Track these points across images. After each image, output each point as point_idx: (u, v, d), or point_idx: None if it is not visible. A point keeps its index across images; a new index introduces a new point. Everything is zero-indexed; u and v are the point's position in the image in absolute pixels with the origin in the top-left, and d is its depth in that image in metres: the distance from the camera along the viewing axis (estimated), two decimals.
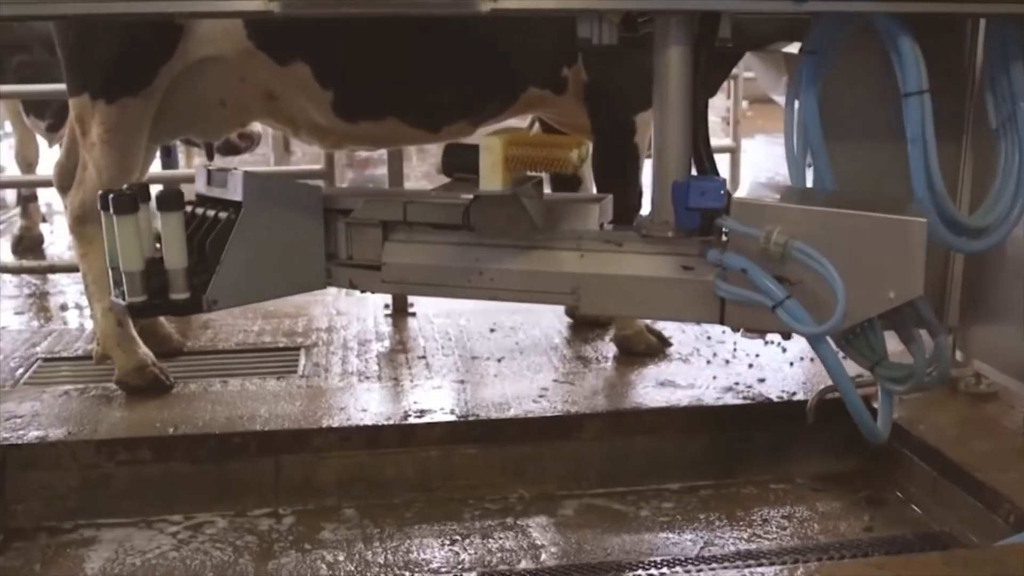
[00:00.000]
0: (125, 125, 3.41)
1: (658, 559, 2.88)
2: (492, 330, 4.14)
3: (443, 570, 2.86)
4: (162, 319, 4.01)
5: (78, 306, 4.80)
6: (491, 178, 2.55)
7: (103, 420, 3.33)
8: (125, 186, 2.83)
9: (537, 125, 4.10)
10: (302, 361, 3.88)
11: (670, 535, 3.04)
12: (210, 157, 5.40)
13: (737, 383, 3.55)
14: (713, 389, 3.52)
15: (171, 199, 2.72)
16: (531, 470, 3.32)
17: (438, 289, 2.94)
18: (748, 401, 3.42)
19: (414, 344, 4.05)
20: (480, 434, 3.31)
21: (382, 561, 2.90)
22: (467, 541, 3.01)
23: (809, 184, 2.87)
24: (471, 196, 2.70)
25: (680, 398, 3.46)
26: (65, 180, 3.84)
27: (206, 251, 2.73)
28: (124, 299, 2.74)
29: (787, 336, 2.76)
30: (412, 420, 3.30)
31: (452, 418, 3.33)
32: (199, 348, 4.08)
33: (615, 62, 3.27)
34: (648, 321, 3.90)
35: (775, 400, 3.43)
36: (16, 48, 5.95)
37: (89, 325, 4.26)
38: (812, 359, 3.76)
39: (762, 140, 11.86)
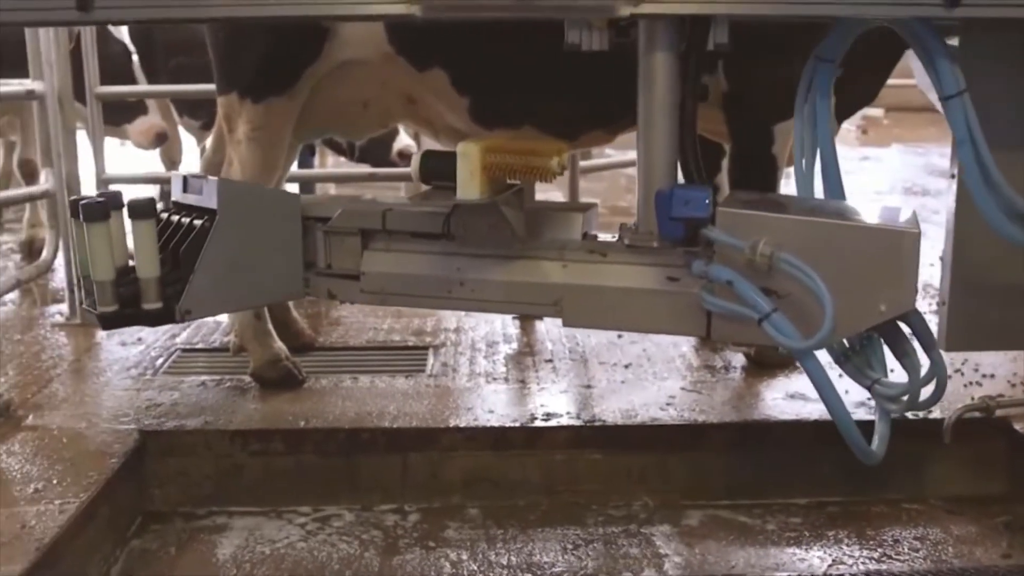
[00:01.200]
0: (271, 124, 3.51)
1: (784, 575, 2.83)
2: (619, 336, 4.12)
3: (565, 575, 2.85)
4: (295, 315, 4.10)
5: None
6: (469, 186, 2.50)
7: (237, 411, 3.42)
8: (96, 193, 2.81)
9: None
10: (430, 360, 3.93)
11: (797, 551, 2.98)
12: (351, 157, 5.52)
13: (870, 398, 3.45)
14: (845, 403, 3.43)
15: (142, 207, 2.69)
16: (656, 478, 3.29)
17: (419, 300, 2.89)
18: None
19: (541, 347, 4.06)
20: (606, 440, 3.29)
21: (505, 562, 2.91)
22: (590, 547, 3.00)
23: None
24: (452, 204, 2.65)
25: (810, 411, 3.39)
26: (211, 175, 3.97)
27: (180, 259, 2.71)
28: (95, 309, 2.71)
29: (776, 350, 2.67)
30: (538, 423, 3.31)
31: (578, 423, 3.32)
32: (330, 344, 4.16)
33: (755, 71, 3.23)
34: None
35: (910, 417, 3.33)
36: (175, 50, 6.18)
37: (223, 319, 4.38)
38: (950, 376, 3.63)
39: (898, 149, 11.57)
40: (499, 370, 3.80)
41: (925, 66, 2.50)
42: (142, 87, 6.41)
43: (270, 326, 3.69)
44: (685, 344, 4.03)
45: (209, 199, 2.75)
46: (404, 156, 5.68)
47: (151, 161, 7.67)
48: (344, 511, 3.21)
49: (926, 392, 2.65)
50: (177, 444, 3.26)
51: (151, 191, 7.83)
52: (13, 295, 4.88)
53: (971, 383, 3.60)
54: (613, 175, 8.25)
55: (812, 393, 3.47)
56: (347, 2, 2.37)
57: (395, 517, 3.18)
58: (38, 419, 3.35)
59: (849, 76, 3.47)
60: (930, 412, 3.33)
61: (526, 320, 4.37)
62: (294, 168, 4.62)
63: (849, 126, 11.31)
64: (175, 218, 2.83)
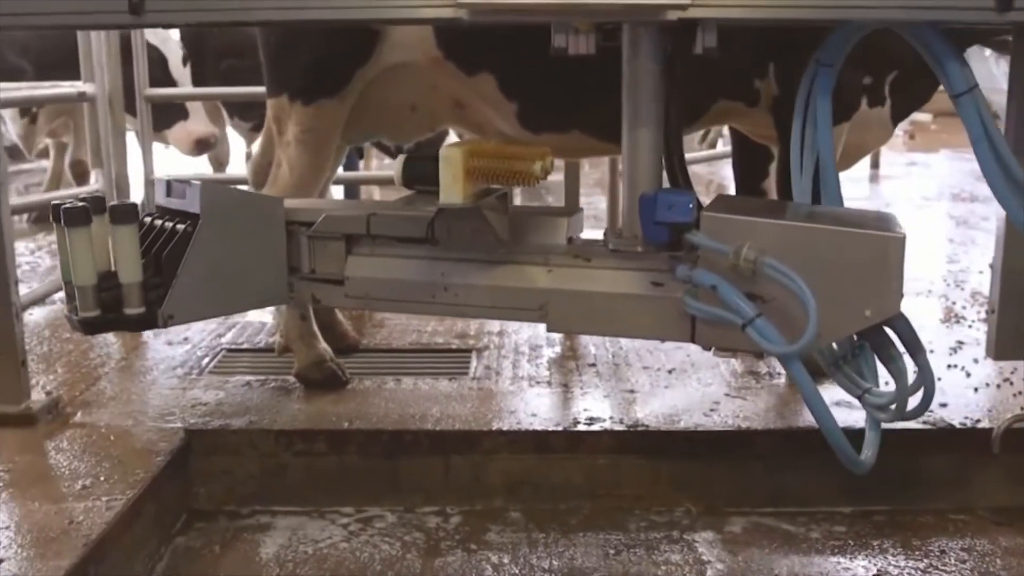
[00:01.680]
0: (320, 126, 3.53)
1: None
2: (663, 340, 4.10)
3: None
4: (340, 316, 4.12)
5: None
6: (451, 191, 2.48)
7: (282, 411, 3.44)
8: (79, 197, 2.75)
9: None
10: (473, 363, 3.93)
11: (841, 560, 2.96)
12: None
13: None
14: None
15: (124, 211, 2.67)
16: (699, 484, 3.27)
17: (402, 305, 2.87)
18: (929, 426, 3.29)
19: (584, 351, 4.05)
20: (648, 445, 3.28)
21: (546, 566, 2.91)
22: (632, 552, 2.99)
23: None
24: (435, 209, 2.63)
25: (856, 419, 3.33)
26: (259, 177, 4.01)
27: (162, 264, 2.69)
28: (77, 314, 2.69)
29: (760, 356, 2.63)
30: (581, 427, 3.30)
31: (621, 427, 3.30)
32: (374, 346, 4.17)
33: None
34: None
35: (957, 427, 3.29)
36: (226, 52, 6.23)
37: (268, 320, 4.41)
38: (999, 385, 3.61)
39: (946, 155, 11.45)
40: (542, 374, 3.80)
41: (933, 67, 2.49)
42: (190, 89, 6.49)
43: (315, 327, 3.71)
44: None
45: (192, 204, 2.74)
46: None
47: (199, 163, 7.76)
48: (386, 512, 3.22)
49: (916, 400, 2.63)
50: (222, 443, 3.28)
51: None
52: (62, 294, 4.94)
53: (1020, 393, 3.55)
54: None
55: (858, 401, 3.45)
56: (394, 5, 2.38)
57: (437, 519, 3.19)
58: (86, 416, 3.40)
59: (905, 77, 3.43)
60: (978, 422, 3.29)
61: None
62: (339, 170, 4.64)
63: (896, 131, 11.22)
64: (158, 222, 2.81)
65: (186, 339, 4.23)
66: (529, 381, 3.72)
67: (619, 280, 2.61)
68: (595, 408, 3.44)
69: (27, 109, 6.56)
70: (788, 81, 3.35)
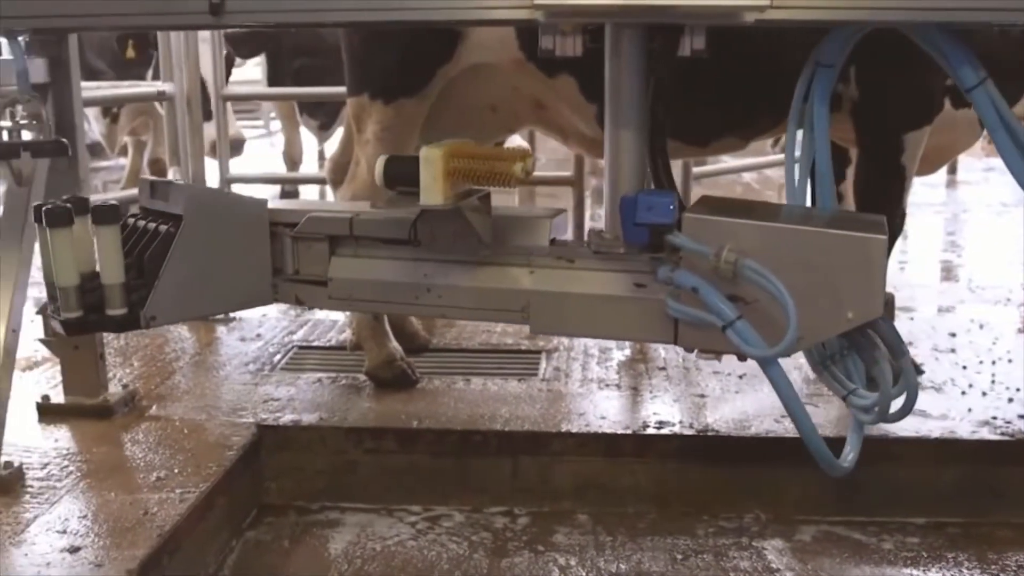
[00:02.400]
0: (399, 125, 3.55)
1: None
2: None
3: None
4: (411, 316, 4.15)
5: None
6: (432, 192, 2.44)
7: (352, 409, 3.47)
8: (64, 198, 2.72)
9: None
10: (543, 365, 3.93)
11: (915, 572, 2.90)
12: None
13: (995, 417, 3.35)
14: (968, 422, 3.34)
15: (106, 212, 2.64)
16: (768, 491, 3.23)
17: (386, 306, 2.84)
18: (1007, 438, 3.22)
19: (654, 354, 4.03)
20: (718, 450, 3.26)
21: (613, 570, 2.90)
22: (700, 558, 2.97)
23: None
24: (418, 210, 2.61)
25: (931, 429, 3.30)
26: (338, 175, 4.05)
27: (145, 265, 2.67)
28: (59, 315, 2.67)
29: (742, 358, 2.60)
30: (650, 431, 3.28)
31: (690, 432, 3.28)
32: (444, 346, 4.19)
33: (887, 78, 3.15)
34: None
35: None
36: (299, 52, 6.30)
37: (339, 318, 4.45)
38: None
39: None
40: (612, 376, 3.78)
41: (942, 65, 2.44)
42: (263, 89, 6.57)
43: (387, 326, 3.73)
44: (801, 355, 3.95)
45: (175, 205, 2.73)
46: None
47: (274, 161, 7.86)
48: (454, 511, 3.23)
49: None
50: (293, 439, 3.32)
51: (272, 191, 8.04)
52: None
53: None
54: (728, 181, 8.17)
55: (933, 411, 3.41)
56: (471, 7, 2.39)
57: (504, 520, 3.19)
58: (161, 410, 3.46)
59: (994, 77, 3.36)
60: None
61: None
62: None
63: None
64: (142, 224, 2.80)
65: (258, 335, 4.29)
66: (598, 383, 3.71)
67: (601, 281, 2.59)
68: (664, 412, 3.43)
69: (109, 109, 6.69)
70: (869, 85, 3.31)
